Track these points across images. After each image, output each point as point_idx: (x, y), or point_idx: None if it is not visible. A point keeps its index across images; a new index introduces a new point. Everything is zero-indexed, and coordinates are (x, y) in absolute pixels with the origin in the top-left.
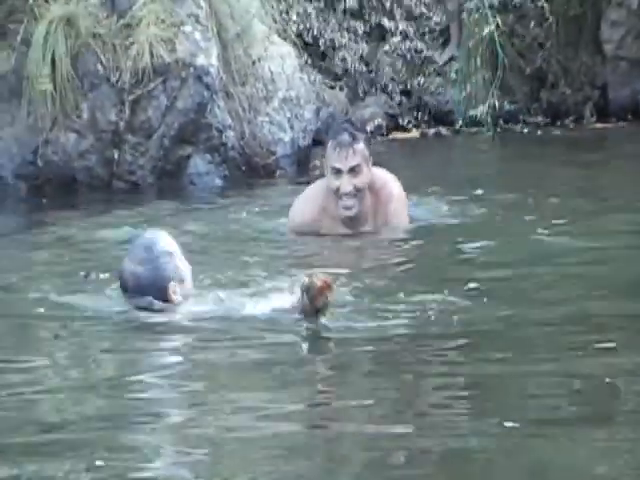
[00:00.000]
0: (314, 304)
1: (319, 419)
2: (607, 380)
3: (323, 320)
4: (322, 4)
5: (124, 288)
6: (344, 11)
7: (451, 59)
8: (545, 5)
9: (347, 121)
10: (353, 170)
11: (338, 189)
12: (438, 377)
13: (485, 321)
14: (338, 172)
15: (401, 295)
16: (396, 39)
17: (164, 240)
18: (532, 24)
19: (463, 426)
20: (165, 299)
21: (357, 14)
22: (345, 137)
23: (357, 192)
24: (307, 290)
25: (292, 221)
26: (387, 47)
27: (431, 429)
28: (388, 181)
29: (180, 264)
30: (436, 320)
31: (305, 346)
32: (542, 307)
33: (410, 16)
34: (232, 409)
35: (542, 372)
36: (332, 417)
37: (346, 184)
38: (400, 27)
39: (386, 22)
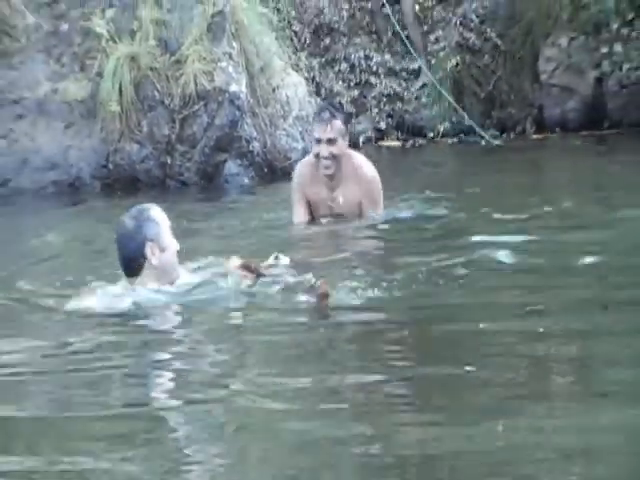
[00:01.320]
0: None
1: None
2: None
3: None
4: (323, 60)
5: (115, 237)
6: (339, 70)
7: (422, 86)
8: (497, 42)
9: (329, 104)
10: (330, 140)
11: (318, 154)
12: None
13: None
14: (319, 141)
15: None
16: (380, 87)
17: (156, 211)
18: (485, 57)
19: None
20: (142, 255)
21: (349, 72)
22: (325, 114)
23: (333, 157)
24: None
25: (294, 181)
26: (374, 92)
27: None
28: (365, 163)
29: (164, 235)
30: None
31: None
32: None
33: (391, 71)
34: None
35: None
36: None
37: (324, 150)
38: (384, 83)
39: (372, 79)
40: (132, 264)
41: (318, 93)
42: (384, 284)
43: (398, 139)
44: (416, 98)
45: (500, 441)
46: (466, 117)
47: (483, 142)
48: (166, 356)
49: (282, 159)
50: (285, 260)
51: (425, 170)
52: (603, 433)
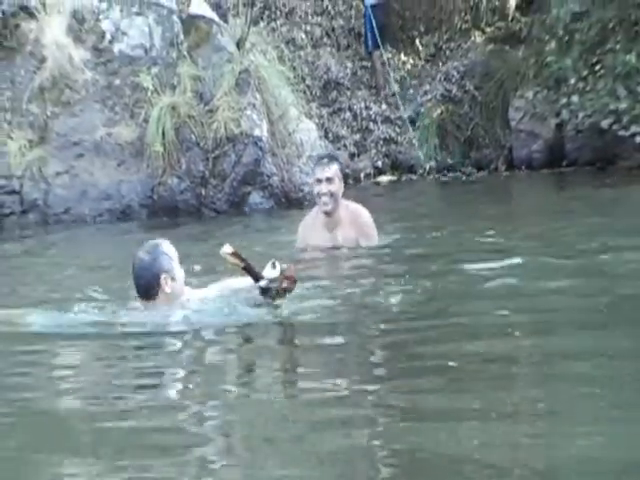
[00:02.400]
0: (281, 285)
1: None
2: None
3: (279, 302)
4: (331, 109)
5: (132, 269)
6: (344, 118)
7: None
8: (475, 94)
9: (329, 153)
10: (328, 180)
11: (318, 193)
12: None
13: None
14: (319, 181)
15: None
16: (378, 132)
17: (168, 245)
18: (465, 107)
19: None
20: (157, 284)
21: (352, 119)
22: (324, 159)
23: (331, 195)
24: (282, 271)
25: (299, 230)
26: (373, 136)
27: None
28: (359, 207)
29: (175, 266)
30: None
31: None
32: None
33: (387, 119)
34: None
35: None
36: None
37: (323, 188)
38: (381, 129)
39: (371, 125)
40: (149, 292)
41: (327, 137)
42: (371, 304)
43: (393, 175)
44: (407, 141)
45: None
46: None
47: (463, 177)
48: (185, 368)
49: (297, 191)
50: (282, 268)
51: (414, 201)
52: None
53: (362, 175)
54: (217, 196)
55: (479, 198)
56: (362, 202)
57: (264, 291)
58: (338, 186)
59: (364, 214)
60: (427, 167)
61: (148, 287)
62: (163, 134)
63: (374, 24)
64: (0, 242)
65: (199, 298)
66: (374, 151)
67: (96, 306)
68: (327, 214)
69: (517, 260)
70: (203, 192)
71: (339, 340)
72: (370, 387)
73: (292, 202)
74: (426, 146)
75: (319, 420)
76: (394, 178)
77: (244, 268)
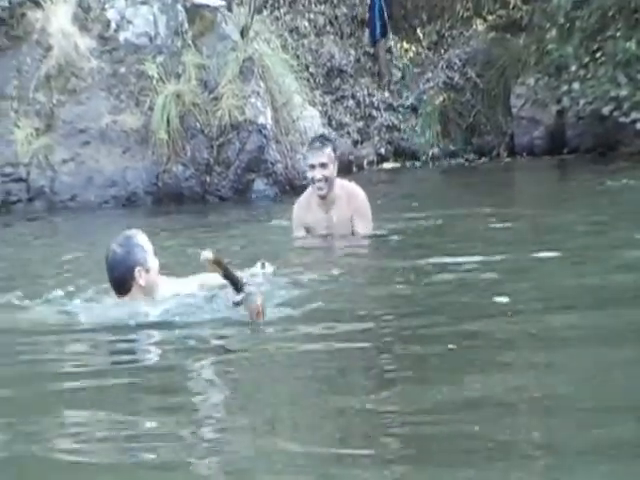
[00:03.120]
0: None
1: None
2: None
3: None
4: (334, 97)
5: (105, 262)
6: (347, 106)
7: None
8: (477, 82)
9: (321, 135)
10: (322, 165)
11: (313, 178)
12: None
13: None
14: (312, 166)
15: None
16: (381, 119)
17: (141, 237)
18: (467, 94)
19: None
20: (131, 277)
21: (355, 107)
22: (317, 143)
23: (326, 180)
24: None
25: (294, 211)
26: (376, 123)
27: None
28: (355, 187)
29: (149, 258)
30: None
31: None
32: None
33: (390, 107)
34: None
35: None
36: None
37: (318, 173)
38: (384, 116)
39: (374, 112)
40: (123, 285)
41: (330, 124)
42: (365, 302)
43: (396, 162)
44: (410, 128)
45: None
46: None
47: (466, 164)
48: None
49: (300, 178)
50: (270, 269)
51: (416, 187)
52: None
53: (365, 162)
54: (222, 183)
55: (481, 185)
56: (365, 188)
57: (237, 304)
58: (332, 170)
59: (359, 194)
60: (430, 154)
61: (122, 280)
62: (168, 122)
63: (385, 13)
64: (7, 228)
65: (173, 293)
66: (377, 138)
67: (68, 297)
68: (322, 197)
69: (511, 253)
70: (208, 179)
71: (323, 331)
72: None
73: (296, 189)
74: (429, 133)
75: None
76: (397, 165)
77: (225, 276)
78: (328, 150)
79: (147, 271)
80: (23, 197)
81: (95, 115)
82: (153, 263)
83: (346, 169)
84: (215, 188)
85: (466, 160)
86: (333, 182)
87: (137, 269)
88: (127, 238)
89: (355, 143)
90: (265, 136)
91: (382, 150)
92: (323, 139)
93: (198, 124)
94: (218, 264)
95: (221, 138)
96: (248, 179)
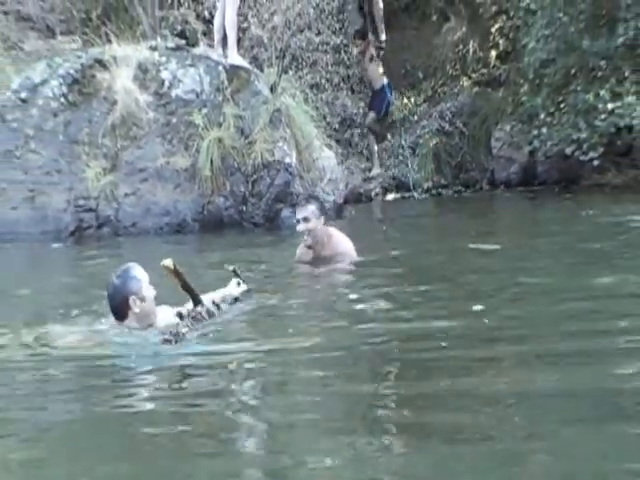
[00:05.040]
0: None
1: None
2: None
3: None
4: (347, 141)
5: (106, 292)
6: (357, 149)
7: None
8: (463, 129)
9: (309, 195)
10: (304, 219)
11: (298, 230)
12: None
13: None
14: (297, 221)
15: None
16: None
17: (138, 269)
18: (456, 138)
19: None
20: (127, 306)
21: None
22: (302, 202)
23: (309, 231)
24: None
25: (295, 257)
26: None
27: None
28: (334, 231)
29: (144, 288)
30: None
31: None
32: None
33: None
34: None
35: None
36: None
37: (301, 227)
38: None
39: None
40: (120, 312)
41: (343, 163)
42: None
43: (397, 193)
44: (408, 166)
45: None
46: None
47: (455, 195)
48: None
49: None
50: (244, 287)
51: (413, 213)
52: None
53: (373, 194)
54: (255, 212)
55: (467, 212)
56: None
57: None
58: (314, 223)
59: (336, 236)
60: (425, 187)
61: (119, 308)
62: (211, 162)
63: (390, 99)
64: (80, 249)
65: (166, 320)
66: (383, 173)
67: (74, 320)
68: (309, 247)
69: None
70: (244, 209)
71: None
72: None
73: None
74: (424, 170)
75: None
76: (398, 196)
77: (182, 287)
78: (311, 207)
79: (142, 300)
80: (93, 224)
81: (152, 157)
82: (148, 292)
83: (357, 200)
84: (250, 216)
85: (455, 192)
86: (317, 234)
87: (132, 298)
88: (124, 271)
89: (364, 179)
90: (290, 173)
91: (386, 184)
92: (309, 198)
93: (236, 163)
94: (176, 274)
95: (255, 175)
96: (277, 208)
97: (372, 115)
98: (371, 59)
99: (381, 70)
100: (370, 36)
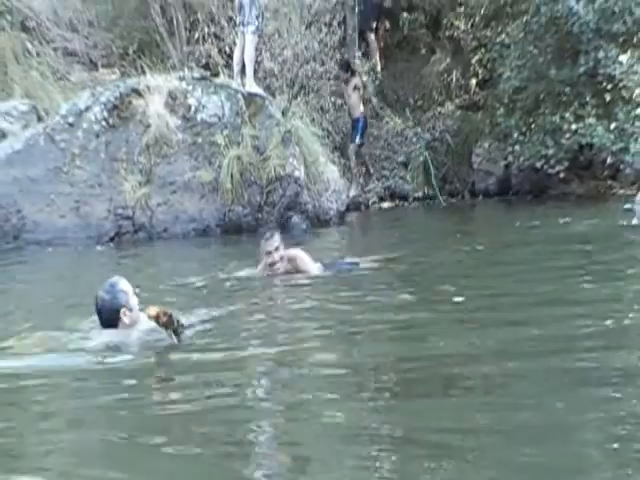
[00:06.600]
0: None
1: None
2: None
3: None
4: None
5: (95, 307)
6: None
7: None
8: (449, 144)
9: (269, 228)
10: (276, 249)
11: (272, 262)
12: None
13: None
14: (269, 252)
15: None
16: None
17: (123, 283)
18: (442, 154)
19: None
20: (117, 317)
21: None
22: (267, 234)
23: (281, 258)
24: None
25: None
26: (376, 174)
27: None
28: (295, 251)
29: (131, 299)
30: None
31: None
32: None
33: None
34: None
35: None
36: None
37: (275, 256)
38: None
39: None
40: (111, 324)
41: (345, 175)
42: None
43: (391, 202)
44: (401, 178)
45: None
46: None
47: (441, 204)
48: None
49: (324, 214)
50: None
51: (405, 220)
52: None
53: (370, 202)
54: (269, 218)
55: (451, 218)
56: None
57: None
58: (281, 252)
59: (299, 255)
60: (415, 196)
61: (110, 320)
62: (231, 176)
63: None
64: (120, 251)
65: (148, 325)
66: (379, 185)
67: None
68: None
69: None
70: (259, 216)
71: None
72: None
73: (322, 222)
74: (415, 181)
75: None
76: (392, 204)
77: (163, 325)
78: (276, 236)
79: (130, 310)
80: (130, 230)
81: (180, 172)
82: (133, 302)
83: (357, 207)
84: (265, 222)
85: (441, 201)
86: (285, 258)
87: (122, 310)
88: (111, 285)
89: (362, 189)
90: (299, 185)
91: (382, 194)
92: (271, 231)
93: (252, 177)
94: (157, 318)
95: (269, 187)
96: (288, 215)
97: (351, 146)
98: (355, 88)
99: (361, 102)
100: (359, 66)
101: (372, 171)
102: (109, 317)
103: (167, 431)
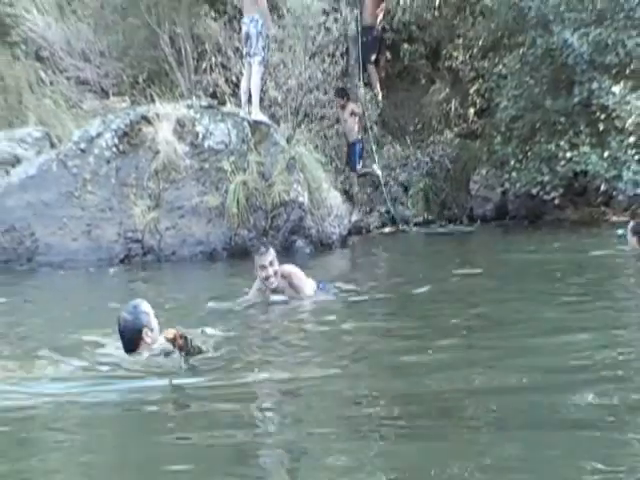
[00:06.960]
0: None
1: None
2: None
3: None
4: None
5: (118, 327)
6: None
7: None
8: (448, 171)
9: (261, 242)
10: (270, 263)
11: (266, 276)
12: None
13: None
14: (263, 267)
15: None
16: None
17: (145, 305)
18: (441, 181)
19: None
20: (140, 337)
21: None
22: (261, 249)
23: (275, 273)
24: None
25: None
26: (379, 200)
27: None
28: (289, 267)
29: (152, 320)
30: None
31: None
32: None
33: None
34: None
35: None
36: None
37: (270, 270)
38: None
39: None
40: (133, 344)
41: (348, 201)
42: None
43: (392, 226)
44: (401, 204)
45: None
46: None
47: (440, 229)
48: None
49: (327, 239)
50: (212, 331)
51: (404, 244)
52: None
53: (371, 227)
54: (274, 242)
55: (450, 242)
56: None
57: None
58: (276, 266)
59: (294, 272)
60: (415, 221)
61: (132, 340)
62: (237, 201)
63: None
64: (127, 273)
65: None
66: (381, 210)
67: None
68: (273, 291)
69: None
70: (265, 239)
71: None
72: None
73: (325, 246)
74: (415, 207)
75: None
76: (393, 229)
77: (179, 347)
78: (271, 251)
79: (152, 330)
80: (139, 253)
81: (188, 197)
82: (154, 323)
83: (358, 232)
84: (272, 246)
85: (440, 225)
86: (278, 275)
87: (144, 330)
88: (134, 307)
89: (364, 214)
90: (303, 210)
91: (384, 220)
92: (264, 245)
93: (258, 202)
94: (172, 341)
95: (274, 211)
96: (292, 240)
97: (352, 174)
98: (351, 114)
99: (356, 128)
100: (362, 95)
101: (372, 197)
102: (131, 337)
103: (176, 460)
